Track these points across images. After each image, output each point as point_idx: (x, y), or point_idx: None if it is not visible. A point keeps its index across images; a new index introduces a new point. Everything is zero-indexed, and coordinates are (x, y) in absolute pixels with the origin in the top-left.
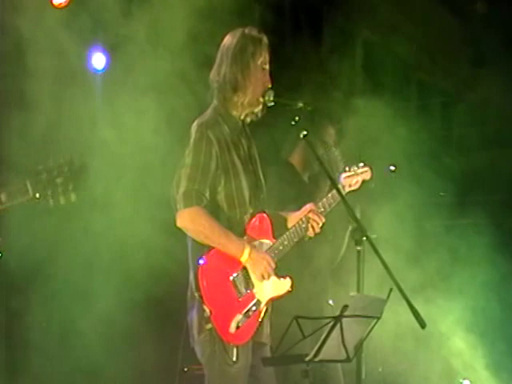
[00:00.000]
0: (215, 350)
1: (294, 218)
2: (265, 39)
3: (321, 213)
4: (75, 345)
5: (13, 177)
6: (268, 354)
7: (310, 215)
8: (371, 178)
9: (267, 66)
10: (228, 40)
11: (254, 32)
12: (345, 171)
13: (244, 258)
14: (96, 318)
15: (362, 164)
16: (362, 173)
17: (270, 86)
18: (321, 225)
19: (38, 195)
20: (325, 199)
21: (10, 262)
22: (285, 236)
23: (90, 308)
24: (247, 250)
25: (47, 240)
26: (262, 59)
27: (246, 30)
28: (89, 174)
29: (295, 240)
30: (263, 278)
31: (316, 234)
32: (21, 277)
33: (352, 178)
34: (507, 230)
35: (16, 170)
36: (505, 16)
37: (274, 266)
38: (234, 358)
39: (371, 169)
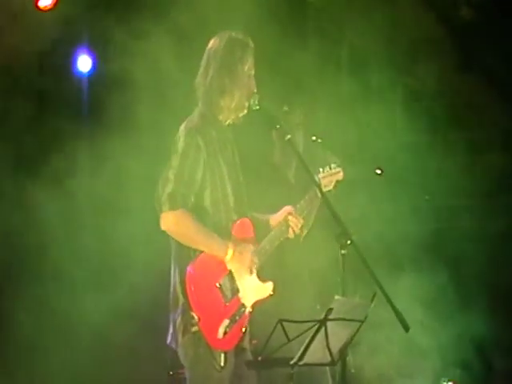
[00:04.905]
0: (199, 353)
1: (274, 221)
2: (251, 43)
3: (299, 215)
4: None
5: None
6: (250, 357)
7: (290, 218)
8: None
9: (253, 71)
10: (215, 43)
11: (241, 36)
12: (319, 172)
13: (229, 257)
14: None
15: (334, 165)
16: (335, 173)
17: (255, 90)
18: (300, 226)
19: None
20: (303, 201)
21: None
22: (266, 240)
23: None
24: (231, 249)
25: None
26: (249, 64)
27: (233, 34)
28: None
29: (276, 243)
30: (251, 272)
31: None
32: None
33: (327, 179)
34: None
35: None
36: (491, 22)
37: (256, 261)
38: (222, 364)
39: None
